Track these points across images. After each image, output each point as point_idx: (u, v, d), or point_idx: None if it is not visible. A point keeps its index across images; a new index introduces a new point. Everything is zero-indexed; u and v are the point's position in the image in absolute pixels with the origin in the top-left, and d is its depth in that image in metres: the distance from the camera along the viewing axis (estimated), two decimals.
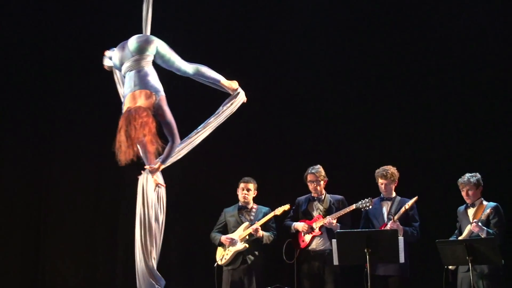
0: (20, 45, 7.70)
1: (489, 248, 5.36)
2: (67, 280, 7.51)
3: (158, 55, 4.51)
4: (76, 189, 7.66)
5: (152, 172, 4.50)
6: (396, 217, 6.00)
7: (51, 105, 7.77)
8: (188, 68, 4.61)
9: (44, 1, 7.77)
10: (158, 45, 4.52)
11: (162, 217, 4.56)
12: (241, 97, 4.91)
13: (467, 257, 5.35)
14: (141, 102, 4.23)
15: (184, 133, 4.73)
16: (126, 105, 4.32)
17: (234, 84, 4.85)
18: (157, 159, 4.48)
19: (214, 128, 4.80)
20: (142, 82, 4.32)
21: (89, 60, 6.46)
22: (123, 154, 4.10)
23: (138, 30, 4.71)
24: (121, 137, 4.09)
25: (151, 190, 4.47)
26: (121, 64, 4.47)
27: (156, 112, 4.28)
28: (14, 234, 7.43)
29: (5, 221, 7.39)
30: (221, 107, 4.89)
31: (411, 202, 6.03)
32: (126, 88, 4.38)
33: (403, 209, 6.02)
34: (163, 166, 4.58)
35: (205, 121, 4.80)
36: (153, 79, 4.39)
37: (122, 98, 4.58)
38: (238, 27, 7.89)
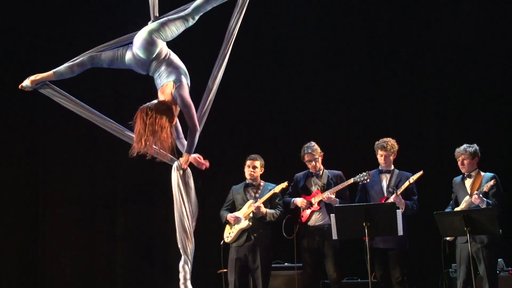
0: (13, 44, 7.56)
1: (487, 218, 5.42)
2: (65, 272, 7.53)
3: (165, 40, 4.60)
4: (74, 183, 7.66)
5: (184, 165, 4.63)
6: (399, 192, 6.02)
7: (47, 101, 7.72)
8: (191, 18, 4.59)
9: None
10: (158, 35, 4.55)
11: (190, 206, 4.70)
12: None
13: (465, 228, 5.40)
14: (165, 94, 4.45)
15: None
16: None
17: None
18: (184, 152, 4.62)
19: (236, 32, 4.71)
20: (165, 74, 4.50)
21: None
22: (135, 145, 4.31)
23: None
24: (135, 129, 4.32)
25: (174, 186, 4.60)
26: (145, 70, 4.59)
27: (175, 100, 4.44)
28: (13, 228, 7.43)
29: (4, 215, 7.41)
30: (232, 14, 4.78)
31: (416, 176, 6.04)
32: (157, 84, 4.57)
33: (407, 183, 6.04)
34: (191, 156, 4.66)
35: (227, 32, 4.72)
36: (175, 67, 4.51)
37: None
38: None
